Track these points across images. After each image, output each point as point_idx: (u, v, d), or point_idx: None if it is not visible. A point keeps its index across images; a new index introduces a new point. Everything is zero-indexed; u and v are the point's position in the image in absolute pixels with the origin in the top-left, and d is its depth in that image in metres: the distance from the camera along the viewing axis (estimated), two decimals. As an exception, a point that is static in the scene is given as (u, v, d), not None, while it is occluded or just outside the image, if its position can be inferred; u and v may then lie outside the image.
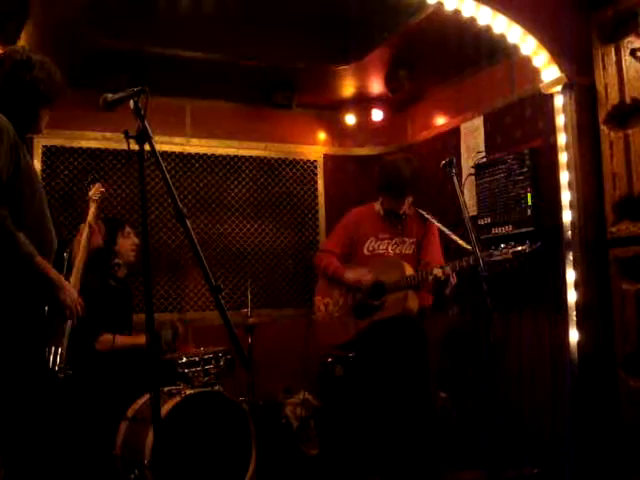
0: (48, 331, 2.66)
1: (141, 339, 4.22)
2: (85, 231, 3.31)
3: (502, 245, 3.83)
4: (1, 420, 2.57)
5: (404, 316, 4.27)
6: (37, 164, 5.23)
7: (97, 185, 3.75)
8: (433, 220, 4.46)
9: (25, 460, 2.61)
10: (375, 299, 4.33)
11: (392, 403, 4.23)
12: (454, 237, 4.13)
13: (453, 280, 4.08)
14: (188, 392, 3.99)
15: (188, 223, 2.37)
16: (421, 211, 4.53)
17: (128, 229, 4.58)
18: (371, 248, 4.48)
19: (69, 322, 2.78)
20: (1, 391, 2.56)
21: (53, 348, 2.68)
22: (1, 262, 2.53)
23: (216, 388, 4.19)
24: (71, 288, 2.77)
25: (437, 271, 4.05)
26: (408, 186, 4.37)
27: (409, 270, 4.26)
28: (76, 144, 5.46)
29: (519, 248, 3.75)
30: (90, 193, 3.72)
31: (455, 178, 3.61)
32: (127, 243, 4.49)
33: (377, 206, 4.57)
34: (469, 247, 3.91)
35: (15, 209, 2.60)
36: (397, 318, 4.26)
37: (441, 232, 4.45)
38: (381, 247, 4.46)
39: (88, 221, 3.43)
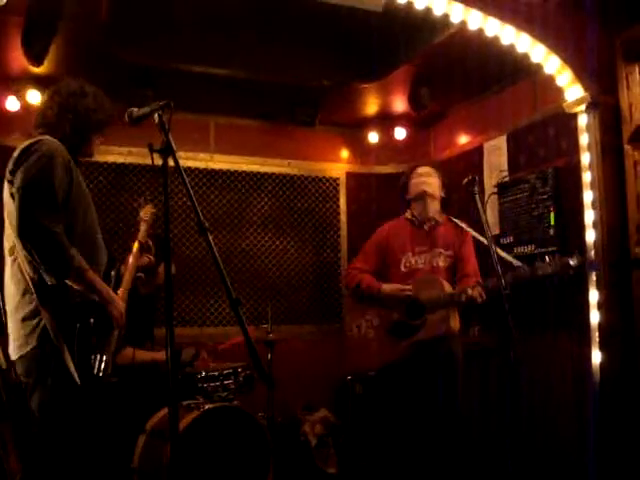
0: (94, 340, 2.78)
1: (161, 355, 4.23)
2: (135, 249, 3.37)
3: (547, 258, 3.71)
4: (40, 424, 2.75)
5: (446, 337, 4.11)
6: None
7: (148, 206, 3.77)
8: (468, 229, 4.33)
9: (48, 462, 2.74)
10: (414, 318, 4.12)
11: (420, 425, 4.13)
12: (493, 248, 3.88)
13: (482, 298, 3.92)
14: (207, 406, 3.99)
15: (210, 237, 2.40)
16: (455, 220, 4.36)
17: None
18: (408, 264, 4.25)
19: (115, 333, 2.91)
20: (46, 395, 2.74)
21: (99, 356, 2.78)
22: (55, 275, 2.71)
23: (235, 403, 4.20)
24: (119, 301, 2.91)
25: (471, 292, 3.90)
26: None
27: (448, 287, 4.08)
28: (102, 159, 5.52)
29: (569, 261, 3.63)
30: (141, 214, 3.73)
31: (477, 197, 3.60)
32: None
33: (408, 215, 4.39)
34: (509, 259, 3.84)
35: (67, 227, 2.79)
36: (439, 339, 4.08)
37: (478, 241, 4.29)
38: (419, 262, 4.24)
39: (138, 240, 3.47)
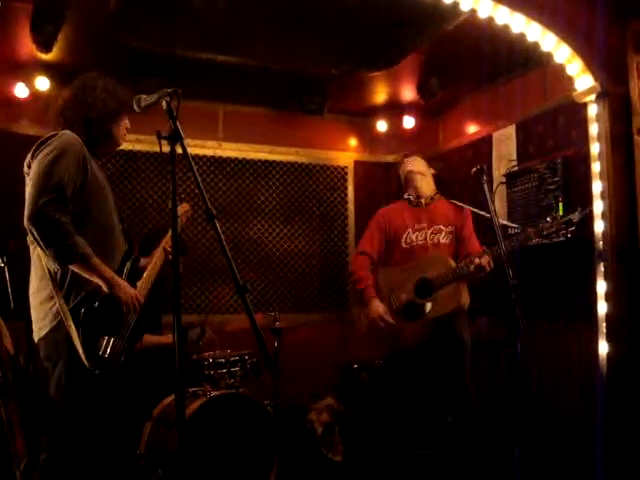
0: (100, 324, 2.85)
1: (168, 339, 4.25)
2: (161, 249, 3.36)
3: (548, 218, 3.75)
4: (57, 406, 2.85)
5: (454, 316, 4.12)
6: (71, 165, 5.33)
7: (183, 204, 3.69)
8: (467, 206, 4.36)
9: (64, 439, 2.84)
10: (424, 297, 4.14)
11: (426, 413, 4.15)
12: (492, 216, 3.80)
13: (490, 267, 3.91)
14: (213, 394, 4.01)
15: (217, 223, 2.41)
16: (453, 201, 4.40)
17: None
18: (409, 240, 4.30)
19: (130, 318, 2.98)
20: (61, 377, 2.84)
21: (106, 338, 2.85)
22: (58, 261, 2.78)
23: (241, 390, 4.21)
24: (128, 287, 2.95)
25: (480, 260, 3.89)
26: None
27: (453, 263, 4.09)
28: (110, 146, 5.52)
29: (570, 216, 3.65)
30: None
31: (486, 186, 3.59)
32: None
33: (405, 196, 4.46)
34: (511, 225, 3.81)
35: (81, 217, 2.89)
36: (447, 319, 4.10)
37: (477, 215, 4.32)
38: (419, 238, 4.28)
39: (165, 240, 3.41)
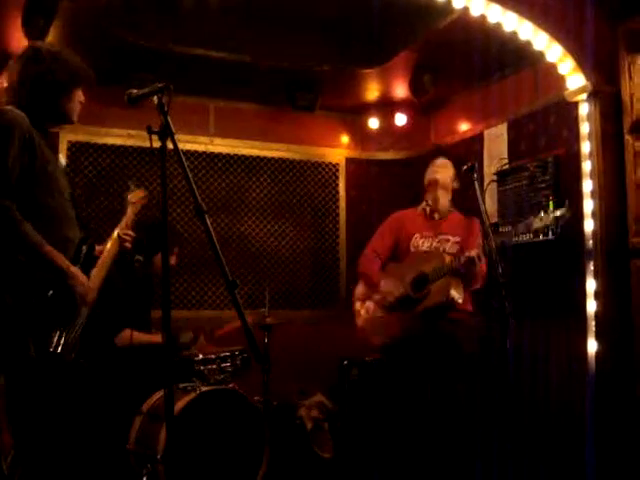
0: (53, 315, 2.71)
1: (158, 337, 4.25)
2: (114, 235, 3.22)
3: (541, 214, 3.76)
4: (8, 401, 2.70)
5: (452, 320, 4.19)
6: (61, 159, 5.29)
7: (139, 190, 3.60)
8: (476, 220, 4.33)
9: (30, 442, 2.69)
10: (419, 291, 4.22)
11: (416, 411, 4.17)
12: (482, 213, 3.83)
13: (483, 260, 3.97)
14: (203, 389, 4.00)
15: (207, 219, 2.39)
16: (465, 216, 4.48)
17: (177, 249, 4.65)
18: (416, 244, 4.41)
19: (83, 310, 2.83)
20: (9, 371, 2.68)
21: (58, 332, 2.72)
22: (7, 250, 2.64)
23: (231, 386, 4.20)
24: (82, 277, 2.80)
25: (469, 253, 3.96)
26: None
27: (448, 258, 4.16)
28: (100, 140, 5.51)
29: (558, 213, 3.63)
30: (129, 196, 3.54)
31: (477, 184, 3.59)
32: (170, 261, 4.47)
33: (422, 205, 4.54)
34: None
35: (27, 203, 2.70)
36: (442, 317, 4.17)
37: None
38: (425, 244, 4.39)
39: (120, 226, 3.29)
